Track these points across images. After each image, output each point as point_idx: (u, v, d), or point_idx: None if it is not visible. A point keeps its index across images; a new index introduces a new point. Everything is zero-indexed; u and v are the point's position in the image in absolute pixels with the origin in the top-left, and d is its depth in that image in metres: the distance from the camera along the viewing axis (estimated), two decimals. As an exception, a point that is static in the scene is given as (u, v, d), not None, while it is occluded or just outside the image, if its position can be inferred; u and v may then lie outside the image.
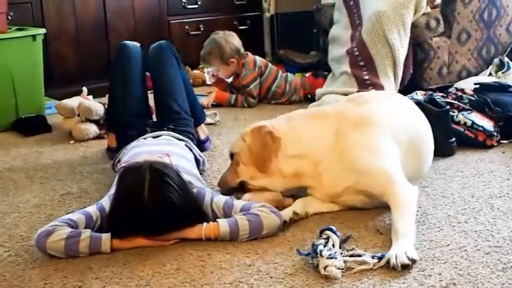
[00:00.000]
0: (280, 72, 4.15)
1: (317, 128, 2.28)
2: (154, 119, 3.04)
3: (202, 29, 4.87)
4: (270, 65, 4.16)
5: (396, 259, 1.84)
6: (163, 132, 2.71)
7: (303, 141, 2.27)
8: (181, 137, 2.71)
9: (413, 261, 1.86)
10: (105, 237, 2.03)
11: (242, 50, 4.06)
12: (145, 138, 2.67)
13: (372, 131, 2.23)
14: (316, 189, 2.29)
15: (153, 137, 2.67)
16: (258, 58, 4.12)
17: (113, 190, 2.23)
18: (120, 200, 2.05)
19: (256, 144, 2.30)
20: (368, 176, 2.18)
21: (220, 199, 2.19)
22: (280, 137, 2.28)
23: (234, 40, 4.05)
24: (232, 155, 2.42)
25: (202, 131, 3.13)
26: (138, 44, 3.06)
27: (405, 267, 1.84)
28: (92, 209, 2.15)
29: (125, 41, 3.04)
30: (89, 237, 2.01)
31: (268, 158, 2.28)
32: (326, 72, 4.07)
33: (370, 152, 2.19)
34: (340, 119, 2.27)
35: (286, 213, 2.21)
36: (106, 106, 3.27)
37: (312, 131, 2.28)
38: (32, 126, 3.58)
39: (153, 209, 1.98)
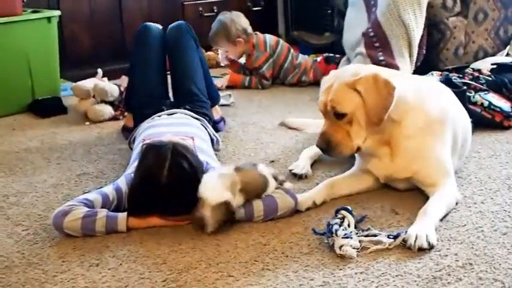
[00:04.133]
0: (291, 49, 4.12)
1: (429, 108, 2.18)
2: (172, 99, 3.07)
3: (216, 10, 4.83)
4: (281, 41, 4.13)
5: (415, 240, 1.84)
6: (179, 110, 2.73)
7: (414, 112, 2.14)
8: (196, 116, 2.72)
9: (432, 247, 1.85)
10: (121, 216, 2.05)
11: (250, 29, 4.04)
12: (159, 116, 2.69)
13: (449, 128, 2.22)
14: (380, 168, 2.22)
15: (168, 114, 2.69)
16: (268, 37, 4.09)
17: (129, 170, 2.25)
18: (140, 177, 2.07)
19: (373, 96, 2.06)
20: (431, 168, 2.16)
21: (236, 180, 2.19)
22: (396, 86, 2.07)
23: (240, 20, 4.03)
24: (339, 115, 2.11)
25: (216, 112, 3.14)
26: (160, 26, 3.08)
27: (421, 250, 1.83)
28: (109, 189, 2.17)
29: (147, 23, 3.06)
30: (105, 217, 2.03)
31: (385, 111, 2.06)
32: (338, 56, 4.04)
33: (445, 148, 2.20)
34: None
35: (304, 203, 2.17)
36: (125, 87, 3.28)
37: (425, 109, 2.17)
38: (48, 107, 3.61)
39: (169, 189, 2.00)
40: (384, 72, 2.19)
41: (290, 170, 2.51)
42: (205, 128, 2.67)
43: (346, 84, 2.09)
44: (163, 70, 3.03)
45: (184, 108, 2.76)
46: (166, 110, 2.75)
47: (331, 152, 2.16)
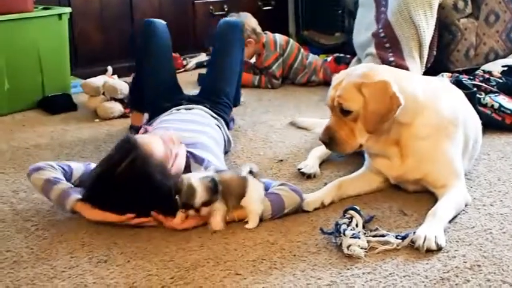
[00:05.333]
0: (301, 49, 4.13)
1: (442, 109, 2.18)
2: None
3: (226, 9, 4.84)
4: (291, 41, 4.13)
5: (424, 241, 1.83)
6: (197, 106, 2.74)
7: (425, 114, 2.14)
8: (214, 114, 2.73)
9: (440, 248, 1.84)
10: (73, 197, 2.09)
11: (259, 29, 4.05)
12: (178, 110, 2.70)
13: (461, 129, 2.22)
14: (391, 168, 2.21)
15: (186, 109, 2.71)
16: (278, 36, 4.10)
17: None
18: (100, 164, 2.12)
19: (375, 104, 2.05)
20: (442, 171, 2.15)
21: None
22: (402, 103, 2.05)
23: (250, 20, 4.03)
24: (346, 111, 2.11)
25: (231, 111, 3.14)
26: (164, 22, 3.06)
27: (429, 251, 1.83)
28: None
29: (150, 18, 3.04)
30: (61, 190, 2.11)
31: (382, 122, 2.08)
32: (349, 56, 4.03)
33: (457, 150, 2.19)
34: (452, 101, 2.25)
35: (313, 203, 2.17)
36: (131, 84, 3.28)
37: (438, 110, 2.17)
38: (58, 104, 3.62)
39: (118, 186, 2.00)
40: (398, 75, 2.17)
41: (299, 169, 2.51)
42: (220, 129, 2.67)
43: (353, 84, 2.09)
44: (172, 64, 3.04)
45: (203, 106, 2.76)
46: (185, 104, 2.75)
47: (333, 147, 2.17)
